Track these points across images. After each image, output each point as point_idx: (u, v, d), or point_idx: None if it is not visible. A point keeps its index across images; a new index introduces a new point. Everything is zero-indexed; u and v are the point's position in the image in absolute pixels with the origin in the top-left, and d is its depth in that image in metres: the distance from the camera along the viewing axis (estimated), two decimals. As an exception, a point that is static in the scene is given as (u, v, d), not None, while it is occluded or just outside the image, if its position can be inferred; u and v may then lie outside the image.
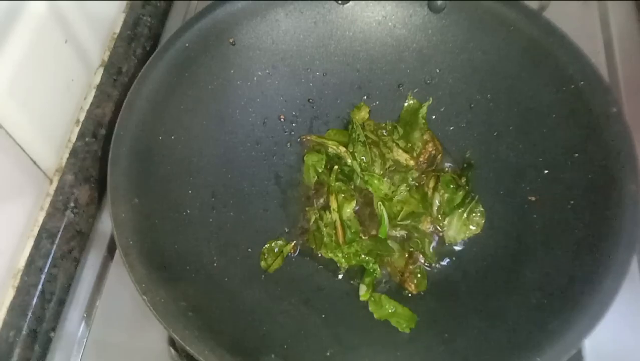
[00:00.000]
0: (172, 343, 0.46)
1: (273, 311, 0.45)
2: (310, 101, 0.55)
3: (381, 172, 0.53)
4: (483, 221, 0.50)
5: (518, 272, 0.46)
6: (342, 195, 0.52)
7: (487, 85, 0.52)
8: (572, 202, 0.46)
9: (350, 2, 0.53)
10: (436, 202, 0.51)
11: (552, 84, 0.48)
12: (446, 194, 0.51)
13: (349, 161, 0.53)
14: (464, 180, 0.51)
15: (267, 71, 0.53)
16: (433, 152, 0.53)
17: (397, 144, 0.53)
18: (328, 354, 0.43)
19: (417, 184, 0.52)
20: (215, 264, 0.46)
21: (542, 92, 0.49)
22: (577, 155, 0.46)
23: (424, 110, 0.54)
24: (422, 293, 0.48)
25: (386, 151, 0.53)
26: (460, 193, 0.51)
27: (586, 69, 0.47)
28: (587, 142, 0.46)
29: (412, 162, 0.53)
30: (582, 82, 0.47)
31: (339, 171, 0.53)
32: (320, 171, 0.53)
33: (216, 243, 0.47)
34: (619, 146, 0.44)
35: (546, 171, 0.48)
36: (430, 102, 0.54)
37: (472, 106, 0.53)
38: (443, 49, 0.53)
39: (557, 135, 0.48)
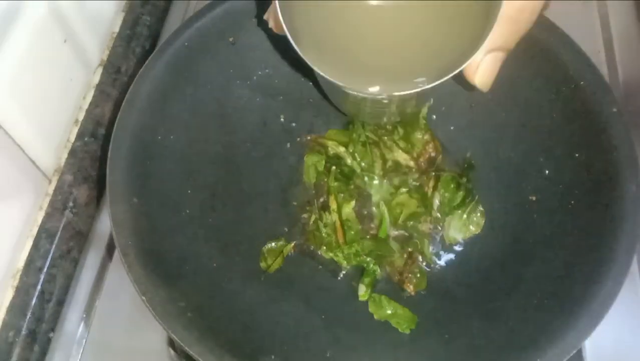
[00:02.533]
0: (171, 343, 0.46)
1: (273, 311, 0.45)
2: (311, 101, 0.55)
3: (381, 173, 0.53)
4: (483, 221, 0.50)
5: (518, 272, 0.46)
6: (342, 195, 0.52)
7: (487, 85, 0.52)
8: (572, 202, 0.46)
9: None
10: (436, 202, 0.51)
11: (552, 83, 0.48)
12: (446, 194, 0.51)
13: (349, 161, 0.53)
14: (464, 180, 0.51)
15: (267, 71, 0.53)
16: (433, 153, 0.53)
17: (397, 145, 0.53)
18: (328, 355, 0.43)
19: (417, 184, 0.52)
20: (214, 265, 0.46)
21: (542, 91, 0.49)
22: (577, 155, 0.46)
23: (424, 110, 0.54)
24: (422, 294, 0.48)
25: (386, 151, 0.53)
26: (461, 193, 0.51)
27: (586, 68, 0.47)
28: (587, 142, 0.46)
29: (412, 163, 0.53)
30: (582, 82, 0.47)
31: (338, 171, 0.53)
32: (320, 171, 0.53)
33: (216, 243, 0.47)
34: (619, 146, 0.44)
35: (546, 171, 0.48)
36: (431, 102, 0.54)
37: (473, 105, 0.53)
38: (443, 49, 0.53)
39: (557, 135, 0.48)
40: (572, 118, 0.47)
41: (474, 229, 0.50)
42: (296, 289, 0.48)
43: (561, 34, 0.48)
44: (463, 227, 0.50)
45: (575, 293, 0.40)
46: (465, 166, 0.53)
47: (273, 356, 0.40)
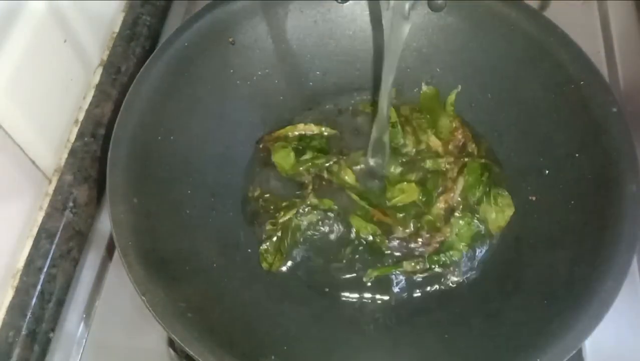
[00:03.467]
0: (171, 343, 0.46)
1: (273, 311, 0.45)
2: (310, 100, 0.55)
3: (413, 150, 0.52)
4: (511, 200, 0.49)
5: (518, 272, 0.46)
6: (337, 165, 0.51)
7: (488, 84, 0.52)
8: (572, 202, 0.46)
9: (350, 2, 0.53)
10: (459, 186, 0.51)
11: (552, 83, 0.48)
12: (470, 179, 0.51)
13: (313, 127, 0.52)
14: (486, 176, 0.51)
15: (267, 71, 0.53)
16: (462, 139, 0.53)
17: (430, 130, 0.53)
18: (328, 355, 0.43)
19: (443, 169, 0.52)
20: (214, 265, 0.46)
21: (542, 91, 0.49)
22: (577, 155, 0.46)
23: (452, 97, 0.53)
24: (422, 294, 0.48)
25: (420, 133, 0.53)
26: (481, 187, 0.50)
27: (586, 68, 0.47)
28: (587, 142, 0.46)
29: (441, 149, 0.52)
30: (582, 82, 0.47)
31: (313, 156, 0.52)
32: (293, 163, 0.52)
33: (216, 244, 0.47)
34: (619, 146, 0.44)
35: (547, 171, 0.48)
36: (459, 89, 0.53)
37: (473, 105, 0.53)
38: (443, 48, 0.53)
39: (557, 135, 0.48)
40: (572, 118, 0.47)
41: (508, 211, 0.49)
42: (296, 289, 0.48)
43: (561, 34, 0.48)
44: (499, 214, 0.49)
45: (575, 293, 0.40)
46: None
47: (273, 357, 0.40)
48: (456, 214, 0.50)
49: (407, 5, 0.39)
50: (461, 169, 0.51)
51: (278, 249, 0.49)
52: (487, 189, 0.50)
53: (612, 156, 0.44)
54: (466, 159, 0.52)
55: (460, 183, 0.51)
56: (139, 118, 0.46)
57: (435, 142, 0.53)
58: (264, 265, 0.48)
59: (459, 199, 0.50)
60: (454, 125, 0.53)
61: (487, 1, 0.50)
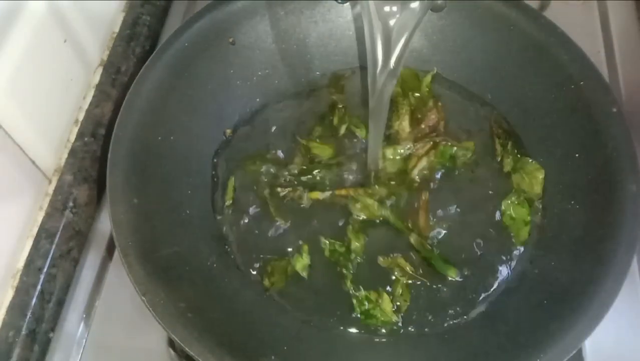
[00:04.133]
0: (171, 344, 0.46)
1: (272, 312, 0.45)
2: (310, 100, 0.55)
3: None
4: (538, 163, 0.49)
5: (518, 272, 0.46)
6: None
7: (487, 84, 0.52)
8: (572, 202, 0.46)
9: (350, 2, 0.53)
10: (420, 166, 0.50)
11: (552, 83, 0.48)
12: (434, 159, 0.50)
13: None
14: (510, 145, 0.50)
15: (267, 71, 0.53)
16: (435, 119, 0.52)
17: (408, 114, 0.53)
18: (328, 355, 0.43)
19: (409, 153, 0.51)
20: (214, 265, 0.46)
21: (541, 91, 0.49)
22: (577, 155, 0.46)
23: (428, 79, 0.53)
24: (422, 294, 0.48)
25: (395, 118, 0.52)
26: (511, 156, 0.50)
27: (586, 68, 0.47)
28: (587, 142, 0.46)
29: (406, 134, 0.52)
30: (582, 82, 0.47)
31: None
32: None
33: (215, 244, 0.47)
34: (619, 146, 0.44)
35: (547, 171, 0.48)
36: (435, 71, 0.53)
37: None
38: (443, 48, 0.53)
39: (557, 135, 0.48)
40: (572, 118, 0.47)
41: (539, 174, 0.48)
42: (296, 290, 0.48)
43: (561, 34, 0.48)
44: (532, 179, 0.49)
45: (575, 293, 0.40)
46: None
47: (273, 357, 0.40)
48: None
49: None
50: (428, 150, 0.50)
51: (285, 270, 0.48)
52: (516, 158, 0.50)
53: (612, 156, 0.44)
54: (442, 143, 0.51)
55: (423, 162, 0.50)
56: (139, 118, 0.46)
57: (403, 128, 0.52)
58: (266, 283, 0.47)
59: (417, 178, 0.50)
60: (428, 105, 0.52)
61: (487, 1, 0.50)
